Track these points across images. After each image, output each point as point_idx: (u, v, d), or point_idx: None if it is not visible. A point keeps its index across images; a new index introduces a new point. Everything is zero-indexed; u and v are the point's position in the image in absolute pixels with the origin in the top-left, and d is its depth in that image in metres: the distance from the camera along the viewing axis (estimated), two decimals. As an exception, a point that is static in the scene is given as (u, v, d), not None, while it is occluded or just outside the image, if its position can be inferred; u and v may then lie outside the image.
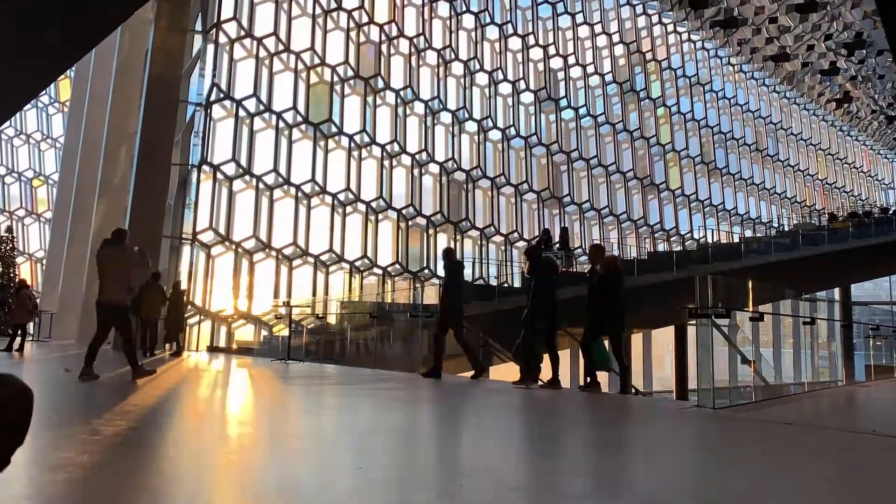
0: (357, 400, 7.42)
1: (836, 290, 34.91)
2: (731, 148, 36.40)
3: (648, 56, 32.83)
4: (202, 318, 18.69)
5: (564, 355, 22.43)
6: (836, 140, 45.74)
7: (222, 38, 19.91)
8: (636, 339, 25.43)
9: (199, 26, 19.80)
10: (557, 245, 22.89)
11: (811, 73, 38.54)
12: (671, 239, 31.30)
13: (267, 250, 19.80)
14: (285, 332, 16.44)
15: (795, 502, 3.28)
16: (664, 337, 31.14)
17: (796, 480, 3.80)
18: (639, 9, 32.74)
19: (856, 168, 47.70)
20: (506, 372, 16.08)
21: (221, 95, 19.56)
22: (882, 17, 14.59)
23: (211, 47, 19.74)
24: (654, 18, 33.49)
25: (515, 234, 25.72)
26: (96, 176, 20.81)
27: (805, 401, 9.52)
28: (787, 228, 36.09)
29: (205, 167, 18.94)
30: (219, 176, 19.17)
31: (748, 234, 34.75)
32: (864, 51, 32.84)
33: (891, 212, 38.18)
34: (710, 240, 31.60)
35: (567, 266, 22.69)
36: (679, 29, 34.67)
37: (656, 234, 30.90)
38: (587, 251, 8.50)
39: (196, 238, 18.57)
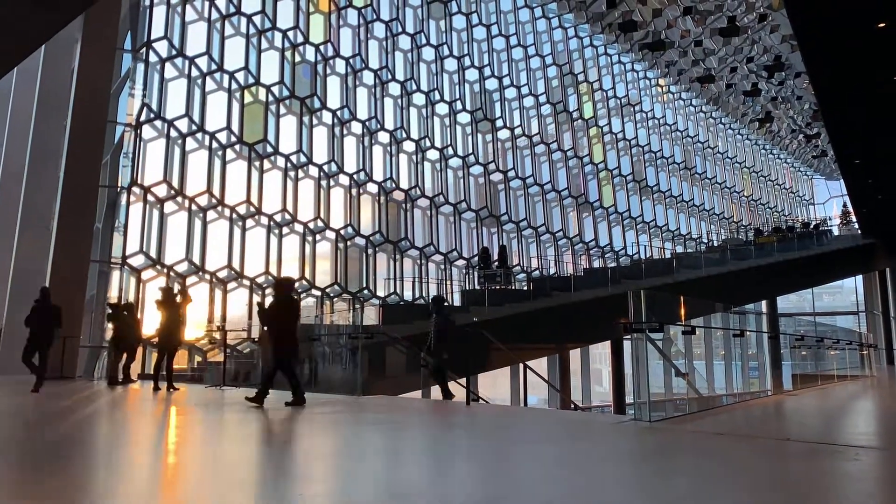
0: (295, 425, 7.28)
1: (764, 303, 36.22)
2: (661, 166, 37.51)
3: (580, 77, 33.64)
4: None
5: (504, 371, 22.60)
6: (759, 158, 47.68)
7: (153, 58, 19.47)
8: (574, 355, 25.75)
9: (128, 45, 19.31)
10: (496, 263, 23.10)
11: (735, 94, 40.15)
12: (606, 256, 31.96)
13: (200, 273, 19.31)
14: (220, 358, 16.04)
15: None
16: (602, 352, 31.68)
17: (726, 489, 3.89)
18: (570, 31, 33.57)
19: (779, 185, 49.78)
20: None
21: (152, 115, 19.10)
22: (799, 42, 15.33)
23: (141, 66, 19.28)
24: (586, 41, 34.37)
25: (455, 253, 25.81)
26: (18, 198, 19.97)
27: (737, 411, 9.80)
28: (716, 244, 37.33)
29: (135, 189, 18.40)
30: (149, 198, 18.65)
31: (679, 249, 35.79)
32: (783, 73, 34.43)
33: (812, 226, 39.96)
34: (643, 256, 32.40)
35: (506, 283, 22.91)
36: (609, 51, 35.67)
37: (591, 252, 31.50)
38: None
39: (126, 262, 17.98)
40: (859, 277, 40.23)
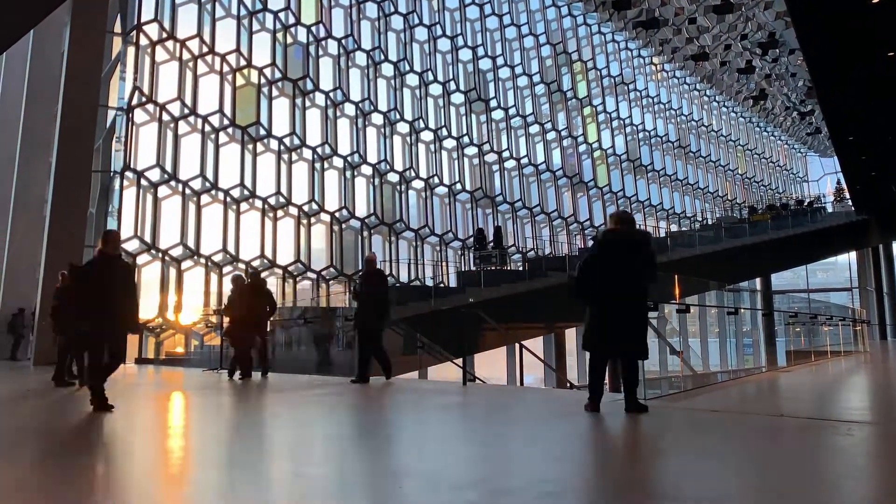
0: (292, 407, 7.32)
1: (758, 280, 36.38)
2: (655, 145, 37.46)
3: (574, 57, 33.48)
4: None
5: (501, 351, 22.73)
6: (753, 136, 47.63)
7: (143, 41, 19.29)
8: (570, 334, 25.87)
9: (118, 28, 19.13)
10: (492, 244, 23.12)
11: (729, 72, 39.99)
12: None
13: (195, 258, 19.30)
14: (217, 341, 16.06)
15: (719, 484, 3.41)
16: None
17: (721, 465, 3.94)
18: (564, 10, 33.35)
19: (773, 162, 49.77)
20: (444, 371, 16.13)
21: (144, 99, 18.97)
22: (793, 18, 15.28)
23: (131, 50, 19.11)
24: (579, 20, 34.16)
25: (450, 234, 25.82)
26: (11, 185, 19.87)
27: (732, 388, 9.89)
28: (710, 222, 37.37)
29: (128, 174, 18.33)
30: (143, 182, 18.58)
31: (674, 228, 35.83)
32: (778, 50, 34.27)
33: (805, 204, 40.04)
34: (638, 235, 32.35)
35: (502, 264, 22.95)
36: (603, 30, 35.47)
37: (586, 231, 31.53)
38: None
39: (121, 248, 17.92)
40: (853, 254, 40.42)
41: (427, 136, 26.14)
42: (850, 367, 15.13)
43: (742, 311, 15.36)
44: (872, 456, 4.61)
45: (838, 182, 40.37)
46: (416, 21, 26.76)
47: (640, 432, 5.50)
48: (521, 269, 24.23)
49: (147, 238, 18.39)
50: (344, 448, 4.84)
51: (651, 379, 8.11)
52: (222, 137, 20.46)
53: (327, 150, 22.80)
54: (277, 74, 22.07)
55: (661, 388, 8.48)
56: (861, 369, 14.76)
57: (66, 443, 5.04)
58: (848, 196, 36.54)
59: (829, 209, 40.00)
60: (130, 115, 18.61)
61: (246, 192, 20.51)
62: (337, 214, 22.67)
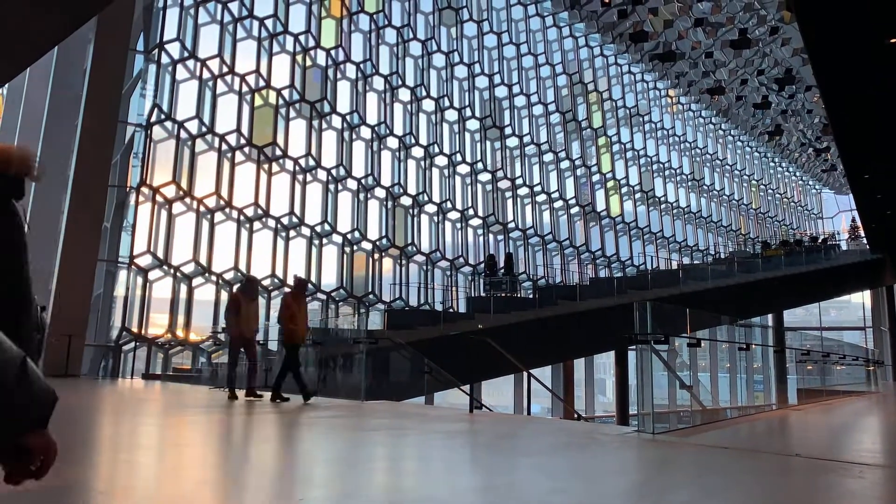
0: (297, 429, 7.28)
1: (770, 317, 36.07)
2: (669, 177, 37.45)
3: (590, 87, 33.66)
4: (138, 344, 18.13)
5: (508, 379, 22.55)
6: (768, 171, 47.55)
7: (164, 59, 19.59)
8: (578, 364, 25.69)
9: (140, 46, 19.45)
10: (502, 270, 23.09)
11: (745, 107, 40.08)
12: (612, 266, 31.90)
13: (207, 274, 19.37)
14: (225, 359, 16.06)
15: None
16: (605, 361, 31.58)
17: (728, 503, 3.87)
18: (581, 41, 33.61)
19: (787, 198, 49.61)
20: (451, 397, 16.02)
21: (162, 117, 19.20)
22: (809, 55, 15.31)
23: (153, 68, 19.40)
24: (596, 51, 34.40)
25: (461, 260, 25.81)
26: (28, 196, 20.11)
27: (741, 425, 9.76)
28: (723, 256, 37.19)
29: (144, 189, 18.49)
30: (158, 198, 18.73)
31: (686, 261, 35.67)
32: (794, 86, 34.37)
33: (820, 240, 39.81)
34: (649, 266, 32.31)
35: (512, 291, 22.90)
36: (619, 61, 35.68)
37: (598, 261, 31.45)
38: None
39: (133, 262, 18.05)
40: (867, 292, 40.06)
41: (441, 161, 26.27)
42: (863, 407, 14.90)
43: (753, 347, 15.20)
44: (884, 500, 4.51)
45: (853, 220, 40.16)
46: (434, 48, 27.03)
47: (649, 467, 5.43)
48: (531, 296, 24.16)
49: (160, 254, 18.50)
50: (343, 472, 4.80)
51: (660, 413, 8.01)
52: (238, 156, 20.64)
53: (342, 171, 22.94)
54: (295, 96, 22.31)
55: (671, 422, 8.37)
56: (874, 410, 14.54)
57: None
58: (863, 234, 36.33)
59: (844, 247, 39.75)
60: (149, 132, 18.84)
61: (259, 212, 20.63)
62: (349, 236, 22.73)
